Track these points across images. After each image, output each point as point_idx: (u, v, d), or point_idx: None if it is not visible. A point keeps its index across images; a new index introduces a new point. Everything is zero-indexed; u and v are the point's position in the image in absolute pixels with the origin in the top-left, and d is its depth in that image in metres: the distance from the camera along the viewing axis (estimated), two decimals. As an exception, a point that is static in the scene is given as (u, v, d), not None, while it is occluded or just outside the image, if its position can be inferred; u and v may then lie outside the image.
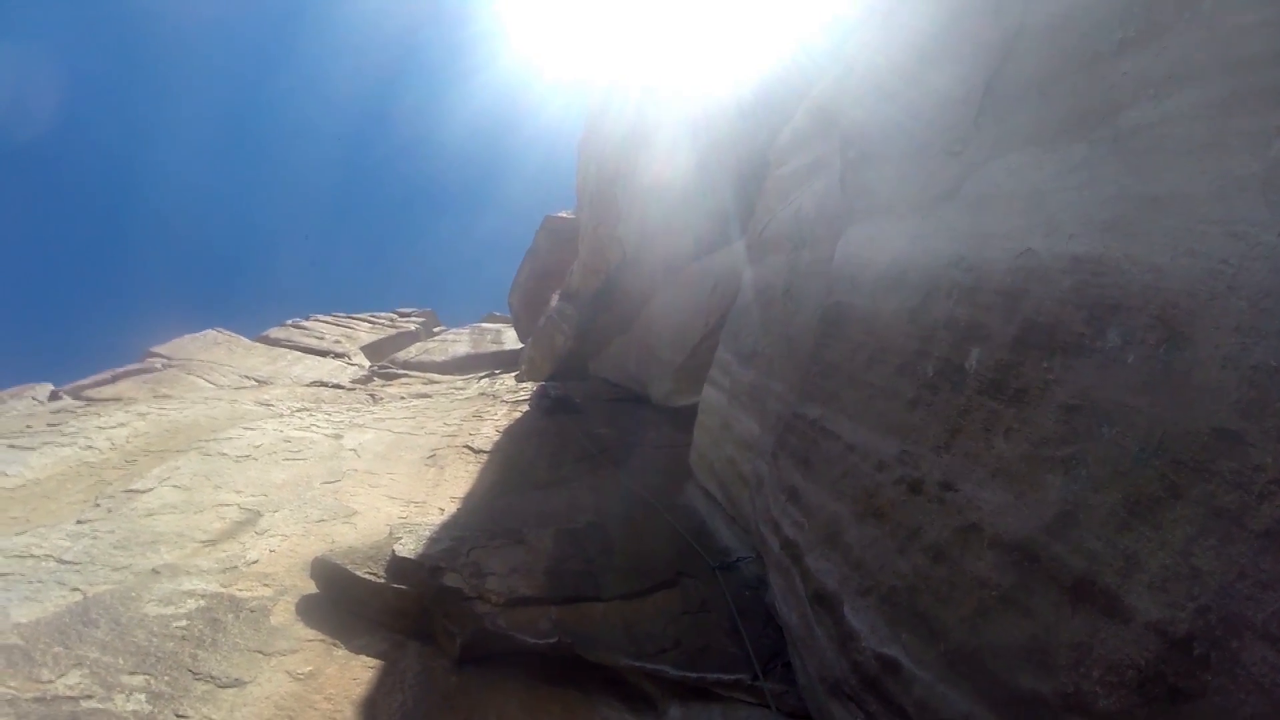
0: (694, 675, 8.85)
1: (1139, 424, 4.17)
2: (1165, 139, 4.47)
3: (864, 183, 8.66)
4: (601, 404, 20.67)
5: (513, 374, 27.87)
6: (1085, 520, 4.40)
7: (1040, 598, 4.60)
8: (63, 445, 18.36)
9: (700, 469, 13.43)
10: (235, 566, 12.01)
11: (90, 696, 8.83)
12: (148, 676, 9.23)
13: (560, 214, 35.00)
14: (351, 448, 18.67)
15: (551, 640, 9.40)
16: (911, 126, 7.73)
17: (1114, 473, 4.27)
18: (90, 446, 18.34)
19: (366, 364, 30.59)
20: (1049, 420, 4.88)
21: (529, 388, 23.98)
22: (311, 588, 11.34)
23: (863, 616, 6.45)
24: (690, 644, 9.27)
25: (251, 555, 12.45)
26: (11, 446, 18.19)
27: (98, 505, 14.55)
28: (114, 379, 26.53)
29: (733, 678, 8.75)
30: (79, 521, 13.66)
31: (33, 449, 18.05)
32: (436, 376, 28.34)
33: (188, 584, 11.38)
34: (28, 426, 20.47)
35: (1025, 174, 5.78)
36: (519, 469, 15.93)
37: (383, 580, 10.67)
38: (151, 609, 10.62)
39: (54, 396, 24.76)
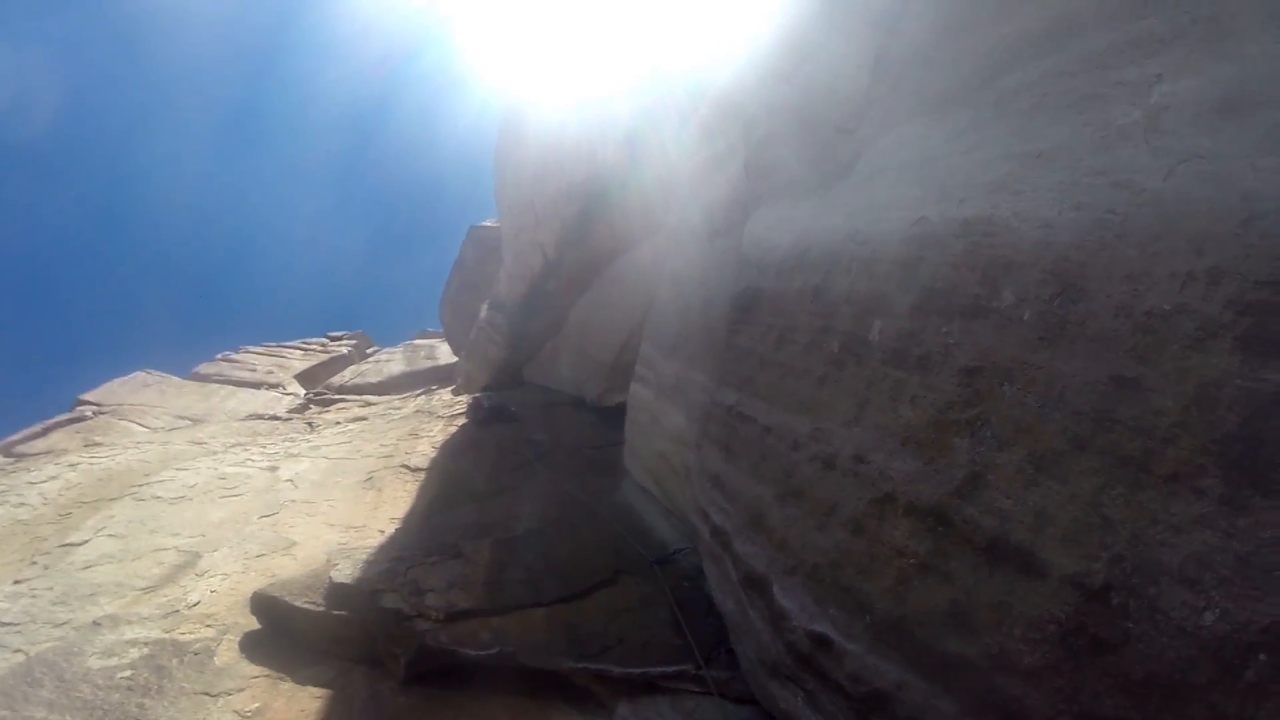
0: (638, 671, 8.90)
1: (1039, 379, 4.23)
2: (1047, 96, 4.56)
3: (766, 165, 8.73)
4: (537, 410, 20.56)
5: (449, 389, 27.79)
6: (994, 480, 4.46)
7: (957, 561, 4.66)
8: (-9, 507, 17.99)
9: (634, 466, 13.51)
10: (176, 610, 11.81)
11: None
12: None
13: (485, 223, 34.92)
14: (288, 478, 18.42)
15: (494, 651, 9.39)
16: (808, 104, 7.83)
17: (1018, 430, 4.32)
18: (23, 504, 17.94)
19: (301, 392, 30.29)
20: (951, 384, 4.94)
21: (465, 401, 23.97)
22: (254, 624, 11.14)
23: (791, 595, 6.52)
24: (633, 640, 9.31)
25: (192, 597, 12.23)
26: (-58, 509, 17.81)
27: (34, 563, 14.25)
28: (44, 431, 26.03)
29: (677, 669, 8.83)
30: (16, 581, 13.37)
31: (-37, 511, 17.68)
32: (373, 398, 28.14)
33: (130, 633, 11.18)
34: (-44, 488, 20.02)
35: (916, 144, 5.87)
36: (456, 483, 15.82)
37: (323, 608, 10.55)
38: (95, 662, 10.44)
39: (-17, 455, 24.34)
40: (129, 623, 11.48)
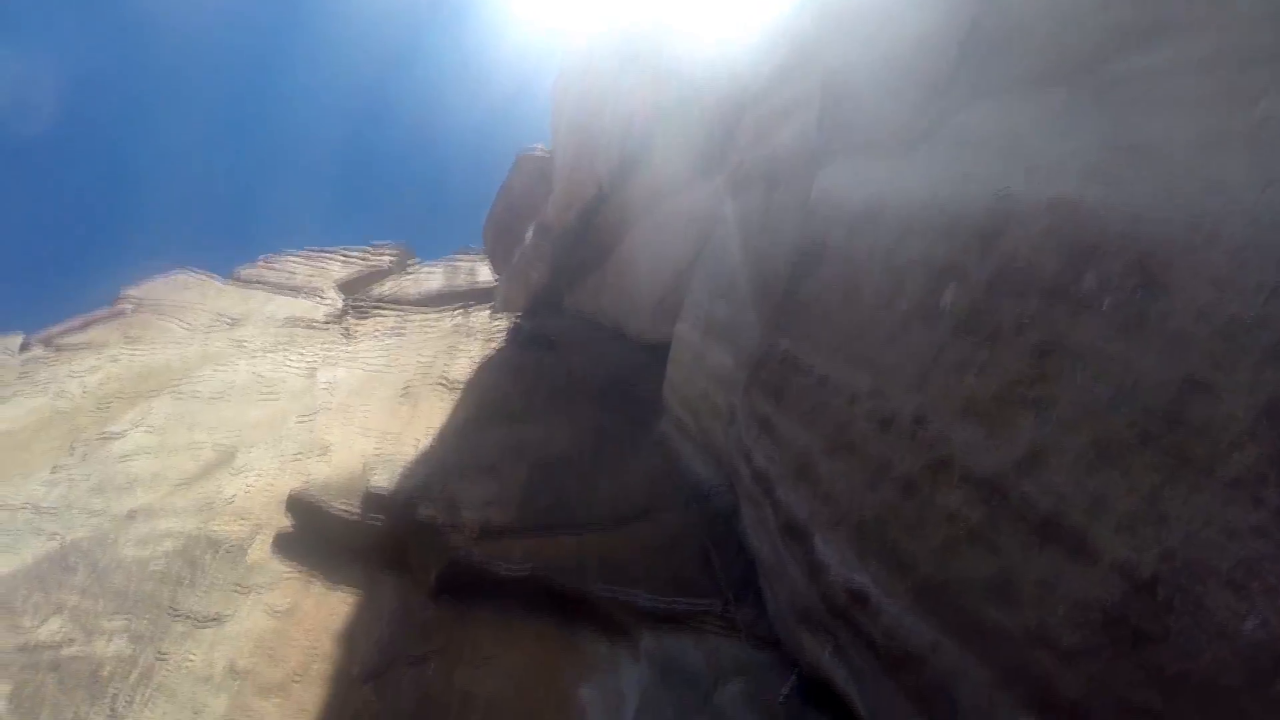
0: (665, 603, 9.00)
1: (1112, 370, 4.18)
2: (1148, 91, 4.44)
3: (843, 121, 8.58)
4: (576, 339, 20.38)
5: (487, 309, 27.67)
6: (1054, 461, 4.44)
7: (1008, 534, 4.68)
8: (35, 395, 18.20)
9: (674, 403, 13.46)
10: (211, 505, 12.02)
11: (72, 642, 8.97)
12: (127, 618, 9.34)
13: (534, 150, 34.59)
14: (325, 384, 18.56)
15: (525, 571, 9.54)
16: (893, 66, 7.65)
17: (1085, 415, 4.29)
18: (63, 394, 18.18)
19: (340, 300, 30.29)
20: (1022, 361, 4.90)
21: (504, 323, 23.89)
22: (288, 523, 11.40)
23: (832, 548, 6.57)
24: (662, 574, 9.37)
25: (228, 493, 12.46)
26: (-16, 400, 18.06)
27: (72, 452, 14.48)
28: (85, 325, 26.03)
29: (704, 606, 8.91)
30: (54, 469, 13.62)
31: (5, 400, 17.91)
32: (410, 312, 28.03)
33: (164, 525, 11.42)
34: (-1, 378, 20.23)
35: (1004, 118, 5.76)
36: (493, 403, 15.80)
37: (358, 515, 10.77)
38: (129, 551, 10.65)
39: (25, 346, 24.29)
40: (164, 515, 11.70)
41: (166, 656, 8.83)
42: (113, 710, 8.14)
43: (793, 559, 7.38)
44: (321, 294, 30.36)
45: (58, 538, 11.03)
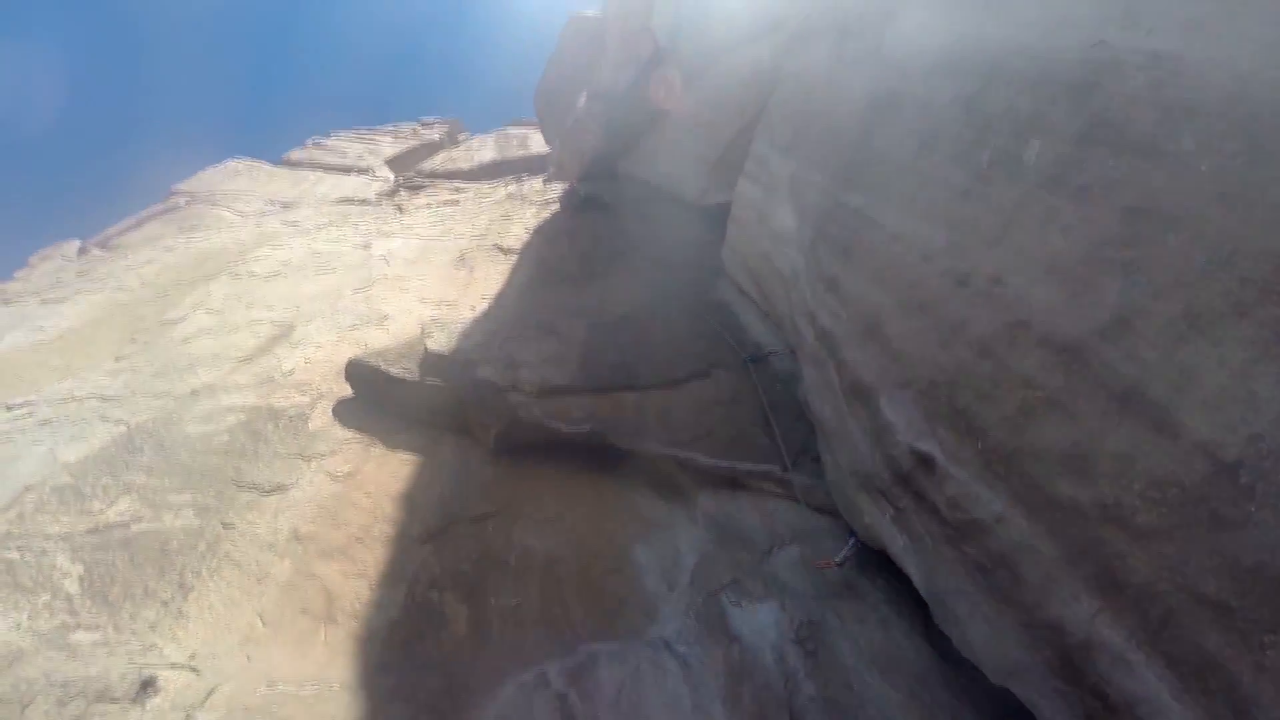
0: (725, 464, 8.95)
1: (1208, 235, 3.96)
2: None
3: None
4: (632, 203, 20.05)
5: (541, 178, 27.41)
6: (1141, 328, 4.26)
7: (1087, 403, 4.53)
8: (94, 291, 18.36)
9: (733, 265, 13.27)
10: (272, 379, 12.10)
11: (140, 519, 9.10)
12: (193, 493, 9.46)
13: (585, 12, 33.74)
14: (380, 255, 18.53)
15: (585, 428, 9.49)
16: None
17: (1176, 282, 4.09)
18: (121, 287, 18.32)
19: (391, 177, 30.09)
20: (1111, 221, 4.65)
21: (558, 189, 23.59)
22: (347, 391, 11.47)
23: (899, 410, 6.43)
24: (721, 434, 9.32)
25: (287, 366, 12.53)
26: (44, 302, 18.22)
27: (134, 341, 14.61)
28: (139, 222, 26.11)
29: (763, 468, 8.86)
30: (117, 359, 13.75)
31: (65, 300, 18.07)
32: (463, 184, 27.83)
33: (226, 400, 11.53)
34: (58, 280, 20.32)
35: (1104, -41, 5.33)
36: (550, 266, 15.72)
37: (416, 377, 10.72)
38: (193, 429, 10.76)
39: (83, 251, 24.46)
40: (226, 391, 11.80)
41: (232, 526, 8.97)
42: (181, 581, 8.28)
43: (856, 422, 7.24)
44: (373, 171, 30.29)
45: (124, 423, 11.15)
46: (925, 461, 5.94)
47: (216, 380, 12.16)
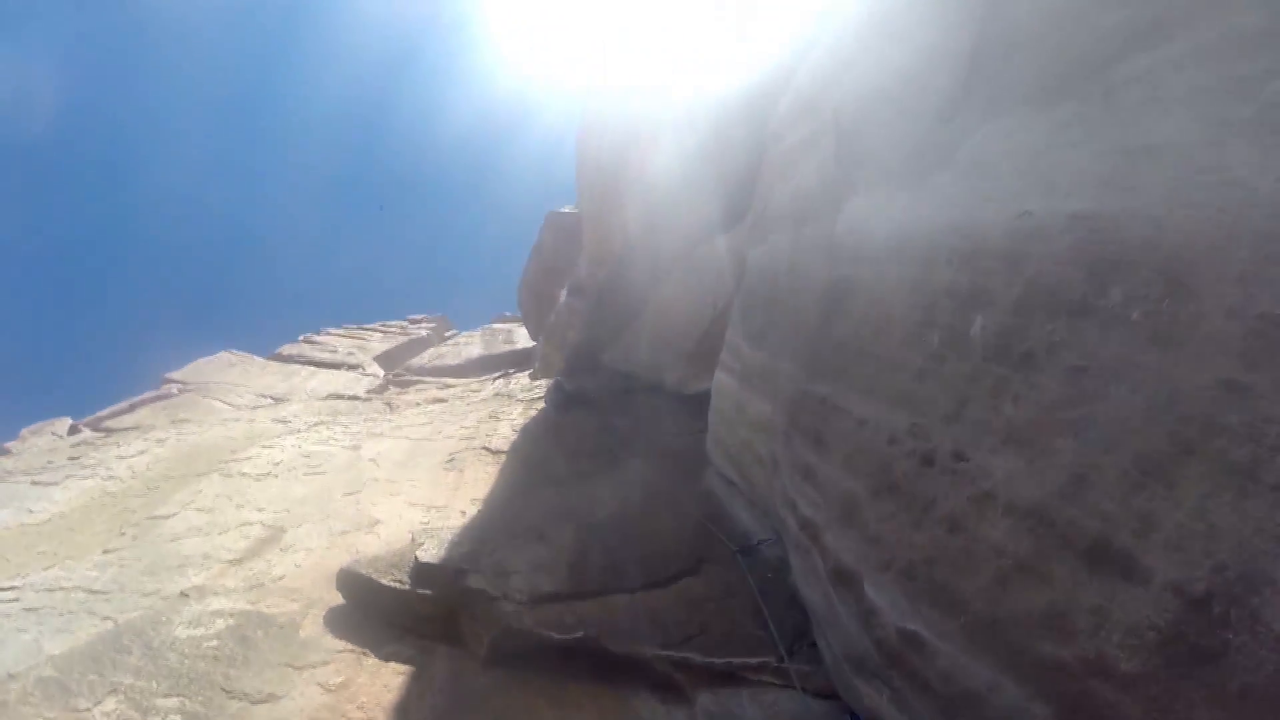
0: (720, 661, 8.86)
1: (1147, 381, 4.13)
2: (1156, 89, 4.43)
3: (859, 154, 8.64)
4: (616, 395, 20.40)
5: (527, 372, 27.82)
6: (1098, 482, 4.36)
7: (1057, 563, 4.58)
8: (85, 478, 18.44)
9: (717, 454, 13.39)
10: (262, 584, 12.07)
11: None
12: (182, 698, 9.32)
13: (563, 209, 34.92)
14: (370, 457, 18.71)
15: (578, 635, 9.40)
16: (899, 93, 7.71)
17: (1124, 432, 4.22)
18: (112, 476, 18.40)
19: (381, 373, 30.53)
20: (1056, 383, 4.83)
21: (544, 385, 23.94)
22: (339, 599, 11.39)
23: (883, 592, 6.42)
24: (716, 629, 9.28)
25: (277, 571, 12.50)
26: (35, 483, 18.29)
27: (123, 534, 14.62)
28: (131, 408, 26.42)
29: (759, 661, 8.78)
30: (105, 551, 13.74)
31: (56, 484, 18.12)
32: (451, 380, 28.22)
33: (216, 604, 11.46)
34: (49, 462, 20.49)
35: (1018, 135, 5.74)
36: (537, 467, 15.90)
37: (408, 587, 10.71)
38: (182, 631, 10.69)
39: (73, 430, 24.66)
40: (215, 594, 11.77)
41: None
42: None
43: (844, 606, 7.22)
44: (363, 368, 30.75)
45: (111, 619, 11.05)
46: (913, 640, 5.95)
47: (206, 582, 12.08)
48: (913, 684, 6.08)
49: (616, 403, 19.24)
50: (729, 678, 8.86)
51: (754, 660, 8.79)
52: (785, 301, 10.71)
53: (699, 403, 15.39)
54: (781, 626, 9.10)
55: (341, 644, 10.42)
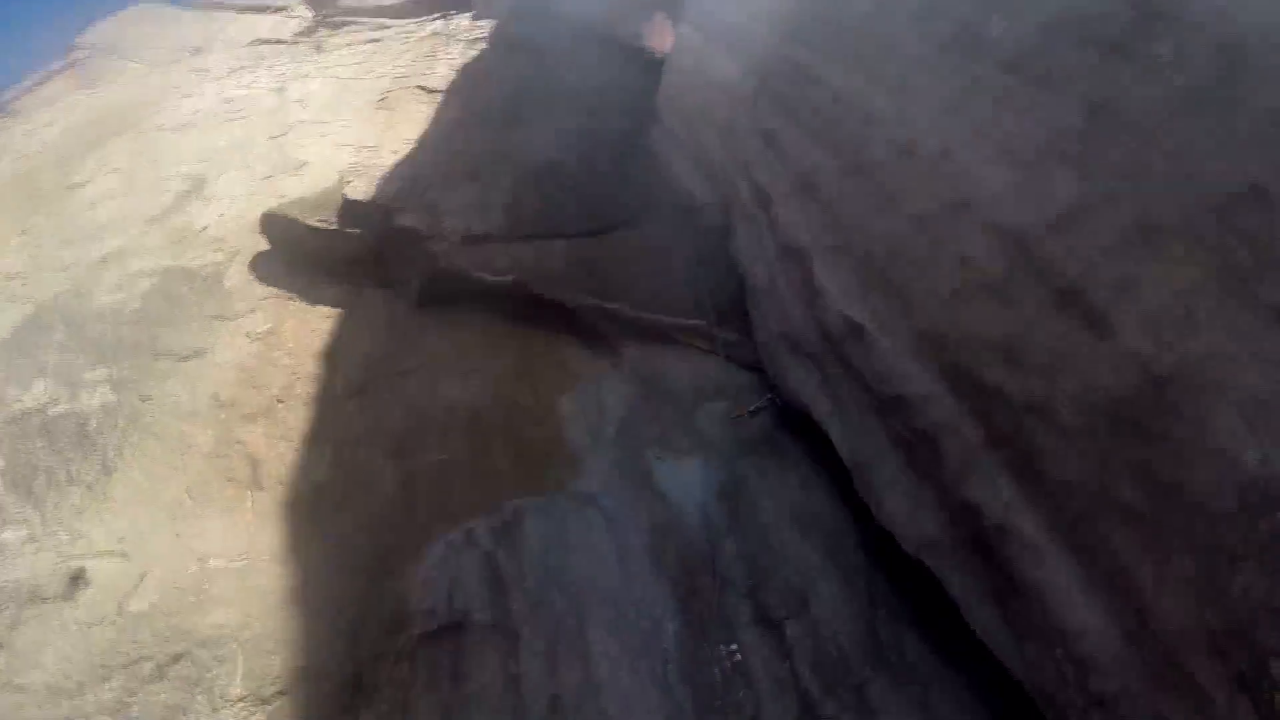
0: (651, 317, 8.88)
1: (1170, 149, 3.93)
2: None
3: None
4: (564, 44, 18.92)
5: (469, 15, 26.41)
6: (1091, 228, 4.27)
7: (1027, 295, 4.58)
8: (-8, 165, 17.41)
9: (668, 112, 12.91)
10: (184, 238, 11.65)
11: (57, 401, 8.82)
12: (109, 367, 9.18)
13: None
14: (296, 99, 17.70)
15: (510, 278, 9.28)
16: None
17: (1133, 189, 4.08)
18: (21, 155, 17.35)
19: (310, 14, 28.82)
20: (1074, 114, 4.57)
21: (487, 28, 22.72)
22: (264, 246, 11.07)
23: (833, 275, 6.43)
24: (649, 287, 9.22)
25: (200, 223, 12.05)
26: (-67, 182, 17.25)
27: (37, 212, 13.86)
28: (38, 83, 24.84)
29: (691, 323, 8.80)
30: (22, 232, 13.06)
31: (-39, 173, 17.10)
32: (388, 21, 26.61)
33: (137, 265, 11.08)
34: (-53, 156, 19.32)
35: None
36: (476, 109, 14.99)
37: (335, 227, 10.42)
38: (105, 298, 10.36)
39: (-22, 119, 23.33)
40: (136, 255, 11.33)
41: (150, 399, 8.71)
42: (104, 462, 8.07)
43: (788, 283, 7.24)
44: (290, 9, 28.91)
45: (31, 300, 10.67)
46: (856, 330, 5.99)
47: (125, 244, 11.64)
48: (846, 373, 6.25)
49: (565, 51, 18.14)
50: (657, 336, 8.88)
51: (686, 322, 8.81)
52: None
53: (651, 61, 15.13)
54: (715, 294, 9.06)
55: (268, 291, 10.22)
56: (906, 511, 5.53)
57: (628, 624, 6.42)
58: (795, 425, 7.67)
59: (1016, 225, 4.69)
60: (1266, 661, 3.31)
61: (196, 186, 13.37)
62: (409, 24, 25.64)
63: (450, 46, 20.68)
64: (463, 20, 24.85)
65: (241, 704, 6.13)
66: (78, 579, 6.89)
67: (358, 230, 10.24)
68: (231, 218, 12.02)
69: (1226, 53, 3.75)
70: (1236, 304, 3.46)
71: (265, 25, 26.99)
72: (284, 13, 28.44)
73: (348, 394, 8.62)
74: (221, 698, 6.16)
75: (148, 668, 6.35)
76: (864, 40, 6.96)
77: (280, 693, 6.21)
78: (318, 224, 10.37)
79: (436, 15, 26.84)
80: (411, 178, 11.14)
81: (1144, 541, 3.75)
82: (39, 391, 8.92)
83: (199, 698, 6.16)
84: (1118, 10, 4.44)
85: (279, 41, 24.84)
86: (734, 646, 6.24)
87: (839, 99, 6.97)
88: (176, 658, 6.41)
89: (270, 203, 11.53)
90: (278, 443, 8.11)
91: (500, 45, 19.79)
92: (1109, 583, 3.96)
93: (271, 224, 10.75)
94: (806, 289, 6.68)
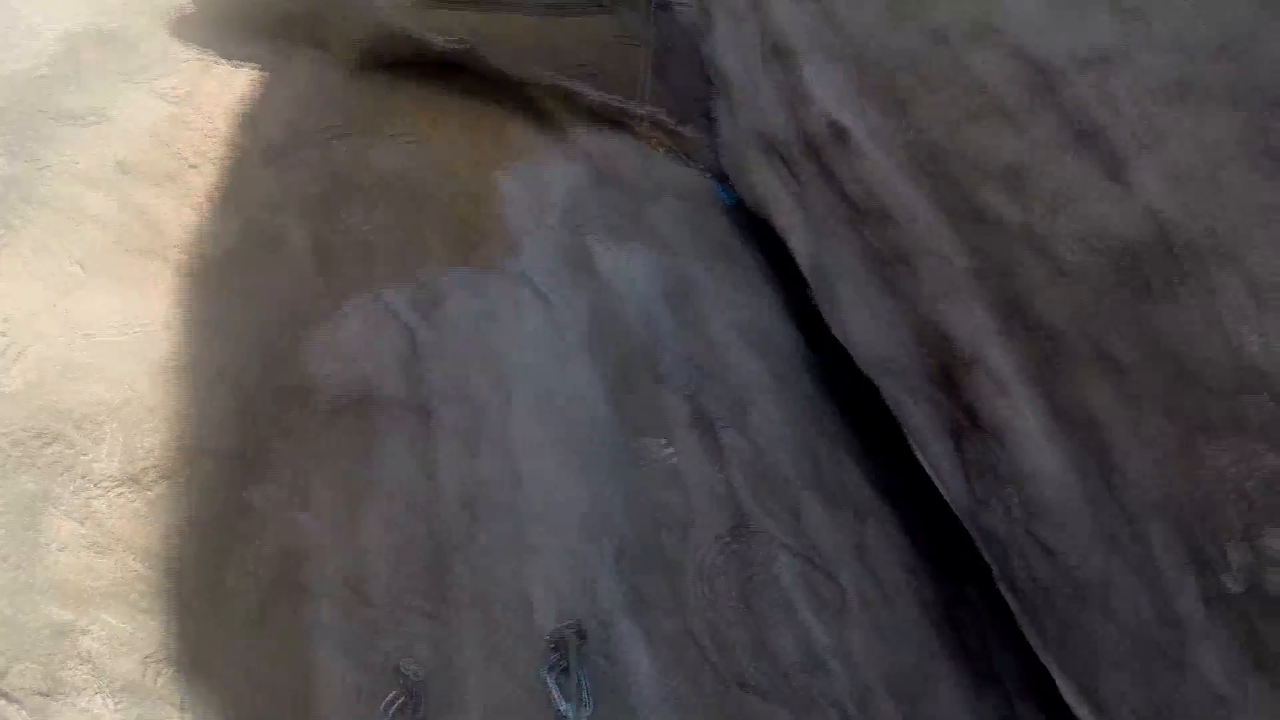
0: (614, 100, 8.53)
1: (1229, 13, 3.81)
2: None
3: None
4: None
5: None
6: (1125, 72, 4.12)
7: (1044, 127, 4.43)
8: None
9: None
10: None
11: None
12: (3, 136, 8.08)
13: None
14: None
15: (464, 46, 8.62)
16: None
17: (1175, 43, 3.97)
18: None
19: None
20: None
21: None
22: (191, 7, 9.81)
23: (825, 77, 6.17)
24: (613, 74, 8.79)
25: None
26: None
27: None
28: None
29: (650, 111, 8.49)
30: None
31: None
32: None
33: (45, 27, 9.83)
34: None
35: None
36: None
37: None
38: (7, 65, 9.19)
39: None
40: (45, 16, 10.07)
41: (46, 166, 7.83)
42: None
43: (771, 82, 7.01)
44: None
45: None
46: (841, 134, 5.77)
47: (33, 3, 10.56)
48: (825, 180, 6.04)
49: None
50: (613, 124, 8.57)
51: (648, 110, 8.52)
52: None
53: None
54: (682, 90, 8.83)
55: (189, 53, 9.32)
56: (869, 329, 5.45)
57: (556, 413, 6.05)
58: (751, 235, 7.49)
59: (1045, 57, 4.49)
60: (1224, 544, 3.32)
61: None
62: None
63: None
64: None
65: (118, 489, 5.56)
66: (-56, 362, 6.20)
67: (294, -20, 9.45)
68: (152, -17, 10.97)
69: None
70: (1264, 180, 3.36)
71: None
72: None
73: (267, 159, 8.00)
74: (94, 484, 5.56)
75: (15, 454, 5.60)
76: None
77: (161, 475, 5.67)
78: (249, -30, 9.48)
79: None
80: (359, -77, 10.35)
81: (1124, 398, 3.70)
82: (-80, 163, 8.02)
83: (70, 484, 5.53)
84: None
85: None
86: (669, 448, 5.95)
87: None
88: (48, 441, 5.72)
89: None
90: (184, 209, 7.51)
91: None
92: (1077, 433, 3.90)
93: (198, -30, 9.78)
94: (792, 91, 6.46)
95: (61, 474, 5.54)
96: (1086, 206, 3.99)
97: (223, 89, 8.83)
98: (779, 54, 6.88)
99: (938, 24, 5.33)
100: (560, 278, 7.05)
